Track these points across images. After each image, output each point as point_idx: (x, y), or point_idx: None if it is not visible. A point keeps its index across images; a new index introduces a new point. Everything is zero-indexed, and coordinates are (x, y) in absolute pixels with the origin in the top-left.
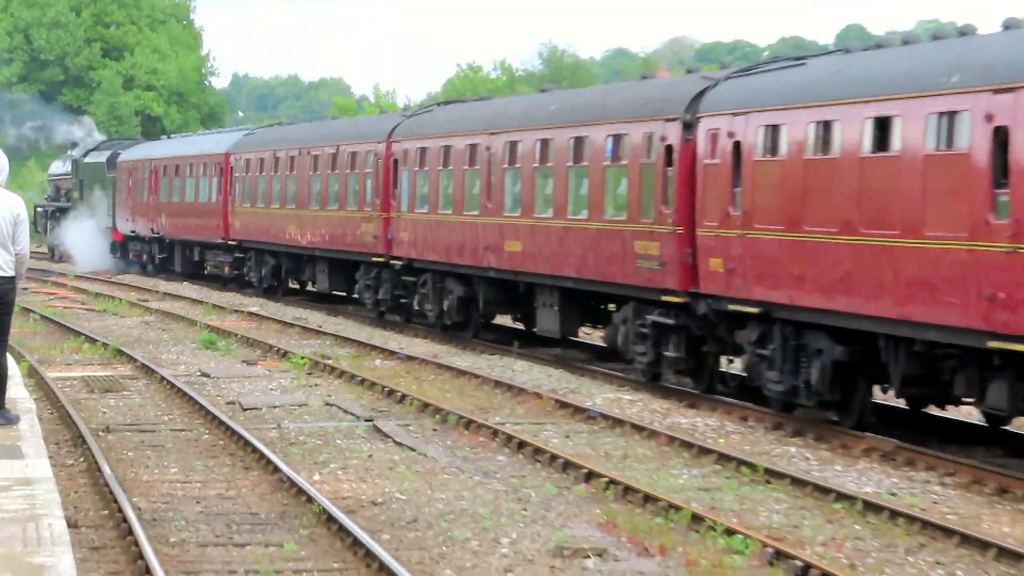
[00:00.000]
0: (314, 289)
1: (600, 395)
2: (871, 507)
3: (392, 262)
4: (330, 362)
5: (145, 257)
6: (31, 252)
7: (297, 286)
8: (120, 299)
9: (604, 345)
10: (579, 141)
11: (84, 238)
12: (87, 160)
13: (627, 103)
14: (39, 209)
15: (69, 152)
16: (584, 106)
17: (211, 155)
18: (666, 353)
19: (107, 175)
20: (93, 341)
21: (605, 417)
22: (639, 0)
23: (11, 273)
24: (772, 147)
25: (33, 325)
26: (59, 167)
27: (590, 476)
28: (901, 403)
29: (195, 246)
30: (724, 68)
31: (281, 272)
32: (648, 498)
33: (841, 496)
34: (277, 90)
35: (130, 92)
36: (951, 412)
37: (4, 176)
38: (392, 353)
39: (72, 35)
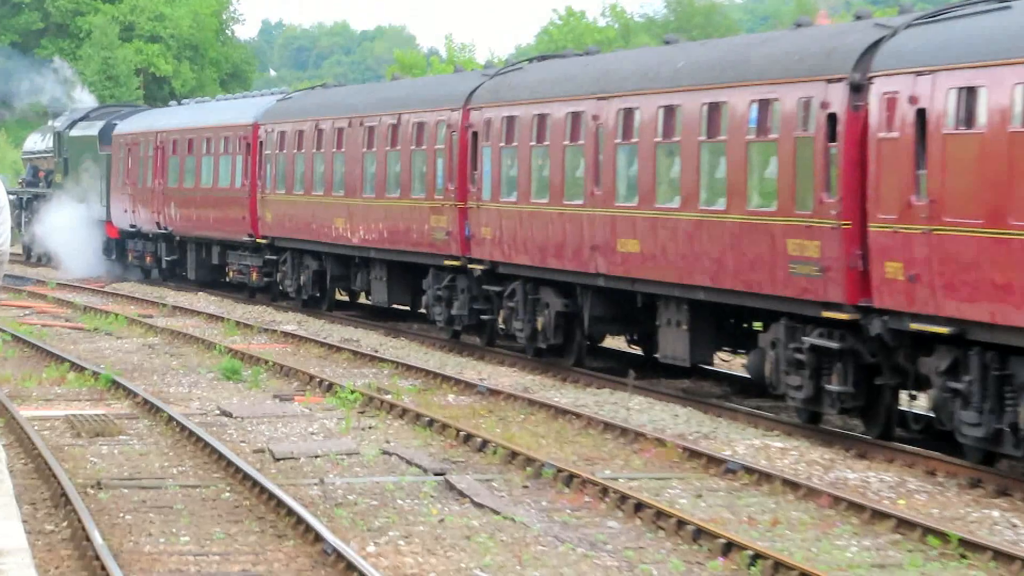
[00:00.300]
0: (368, 302)
1: (742, 441)
2: None
3: (470, 267)
4: (389, 398)
5: (149, 260)
6: None
7: (346, 298)
8: (116, 315)
9: (747, 376)
10: (714, 109)
11: (69, 235)
12: (74, 133)
13: (777, 59)
14: (11, 197)
15: (50, 122)
16: (721, 63)
17: (234, 126)
18: (828, 387)
19: (99, 152)
20: (80, 370)
21: (749, 471)
22: None
23: None
24: (968, 116)
25: (2, 348)
26: (37, 142)
27: (729, 548)
28: None
29: (214, 245)
30: (905, 12)
31: (325, 279)
32: None
33: None
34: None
35: (129, 44)
36: None
37: None
38: (470, 386)
39: None
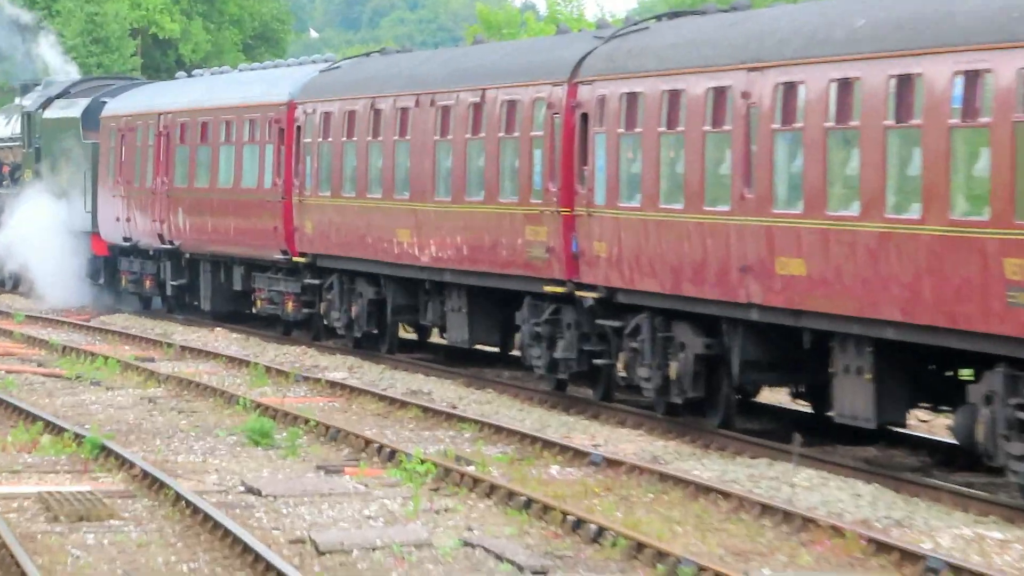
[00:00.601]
0: (443, 341)
1: (946, 530)
2: None
3: (579, 295)
4: (471, 470)
5: (149, 284)
6: None
7: (413, 335)
8: (105, 358)
9: (953, 442)
10: (904, 82)
11: (42, 250)
12: (48, 114)
13: (990, 16)
14: None
15: (17, 100)
16: (914, 19)
17: (263, 106)
18: None
19: (83, 140)
20: (58, 431)
21: (956, 570)
22: None
23: None
24: None
25: None
26: None
27: None
28: None
29: (235, 266)
30: None
31: (385, 311)
32: None
33: None
34: None
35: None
36: None
37: None
38: (580, 454)
39: None
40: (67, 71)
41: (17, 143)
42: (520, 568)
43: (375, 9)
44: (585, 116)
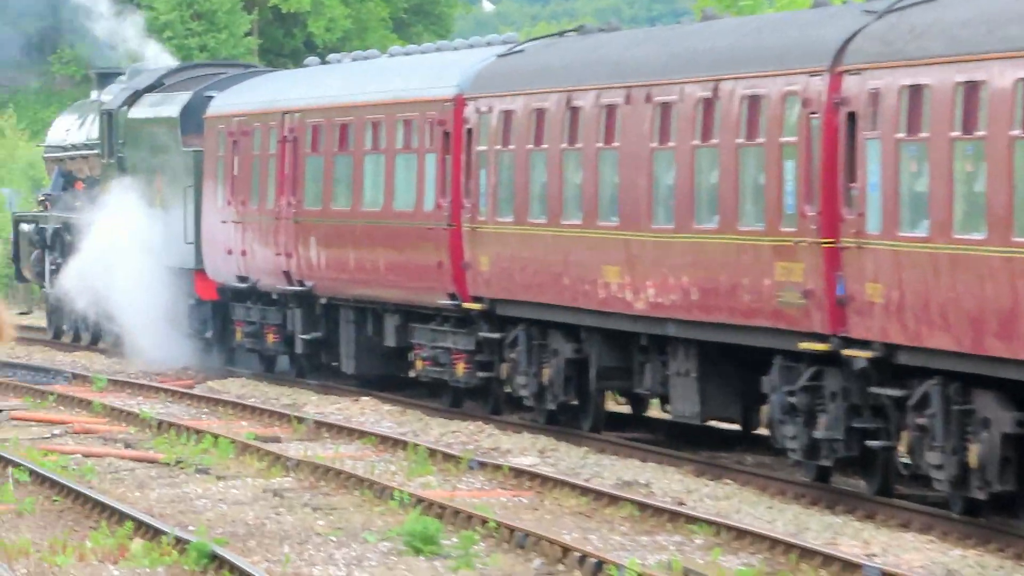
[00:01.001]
0: (665, 415)
1: None
2: None
3: (847, 354)
4: None
5: (272, 339)
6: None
7: (624, 407)
8: (215, 437)
9: None
10: None
11: (130, 294)
12: (136, 113)
13: None
14: (24, 226)
15: (94, 95)
16: None
17: (421, 102)
18: None
19: (181, 147)
20: (154, 534)
21: None
22: None
23: None
24: None
25: (13, 495)
26: (70, 129)
27: None
28: None
29: (387, 315)
30: None
31: (587, 375)
32: None
33: None
34: None
35: None
36: None
37: None
38: (850, 566)
39: None
40: (159, 58)
41: (94, 151)
42: None
43: None
44: (852, 116)
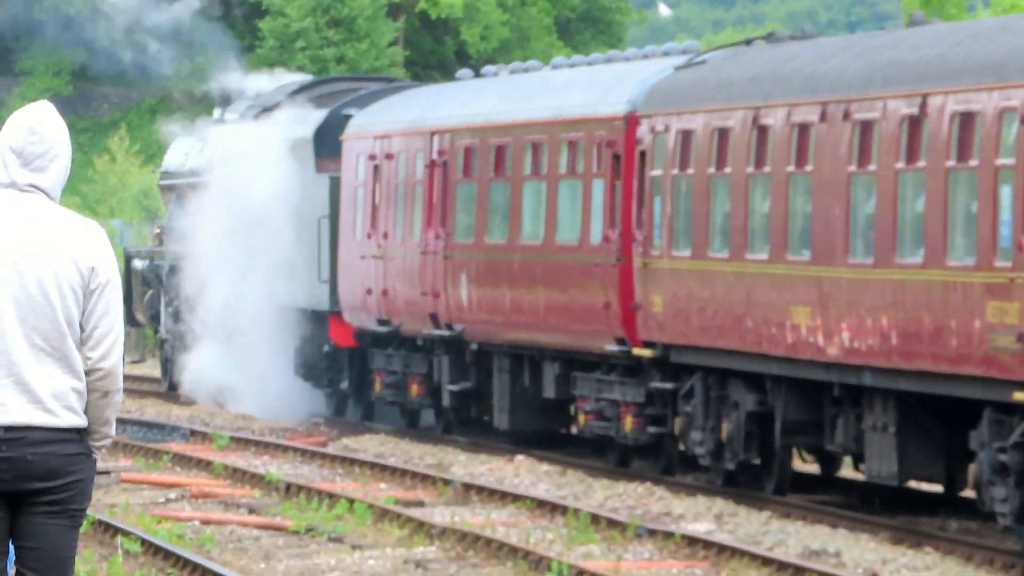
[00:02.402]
0: (859, 475)
1: None
2: None
3: None
4: None
5: (416, 391)
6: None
7: (813, 466)
8: (351, 501)
9: None
10: None
11: (254, 339)
12: (263, 134)
13: None
14: (137, 263)
15: (217, 113)
16: None
17: (587, 120)
18: None
19: (314, 172)
20: None
21: None
22: None
23: (71, 421)
24: None
25: (123, 568)
26: (189, 153)
27: None
28: None
29: (547, 362)
30: None
31: (772, 430)
32: None
33: None
34: None
35: None
36: None
37: (59, 178)
38: None
39: None
40: (291, 75)
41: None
42: None
43: None
44: None
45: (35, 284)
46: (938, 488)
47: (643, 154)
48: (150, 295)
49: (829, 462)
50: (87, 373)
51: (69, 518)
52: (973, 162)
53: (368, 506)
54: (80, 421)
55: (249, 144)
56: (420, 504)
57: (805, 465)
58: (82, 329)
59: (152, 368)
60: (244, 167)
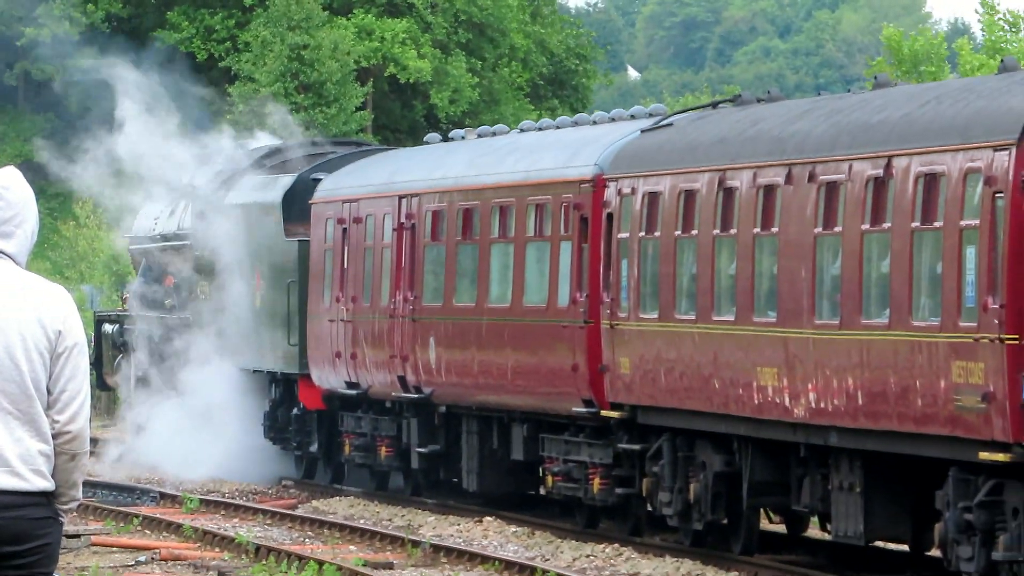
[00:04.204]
0: (826, 535)
1: None
2: None
3: None
4: None
5: (385, 453)
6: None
7: (780, 527)
8: (320, 564)
9: None
10: None
11: (226, 403)
12: (232, 199)
13: None
14: (107, 328)
15: (186, 179)
16: None
17: (555, 184)
18: None
19: (284, 238)
20: None
21: None
22: None
23: (39, 484)
24: None
25: None
26: (159, 218)
27: None
28: None
29: (515, 423)
30: None
31: (740, 491)
32: None
33: None
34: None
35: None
36: None
37: (25, 243)
38: None
39: None
40: (259, 135)
41: (186, 242)
42: None
43: (725, 37)
44: None
45: (3, 348)
46: (904, 547)
47: (610, 216)
48: (120, 359)
49: (796, 522)
50: (54, 436)
51: None
52: (938, 223)
53: (337, 568)
54: (48, 485)
55: (217, 208)
56: (389, 566)
57: (772, 525)
58: (49, 392)
59: (123, 432)
60: (212, 231)
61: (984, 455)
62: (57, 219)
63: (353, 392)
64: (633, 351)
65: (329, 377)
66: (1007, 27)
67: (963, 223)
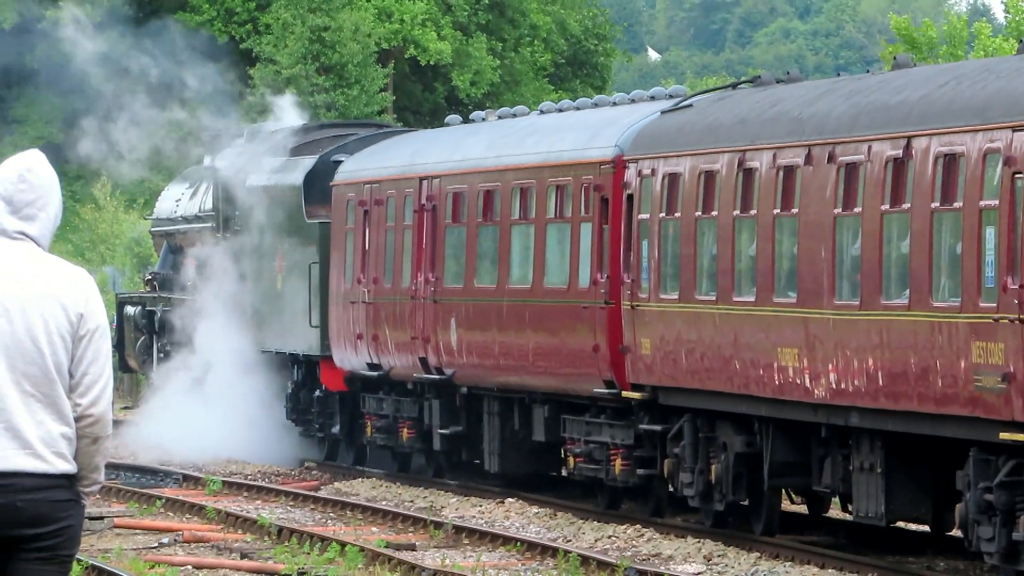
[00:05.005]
0: (847, 516)
1: None
2: None
3: None
4: None
5: (407, 434)
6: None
7: (802, 507)
8: (343, 544)
9: None
10: None
11: (246, 385)
12: (254, 181)
13: None
14: (129, 309)
15: (207, 161)
16: None
17: (575, 165)
18: None
19: (305, 220)
20: None
21: None
22: None
23: (61, 467)
24: None
25: None
26: (180, 199)
27: None
28: None
29: (536, 405)
30: None
31: (761, 472)
32: None
33: None
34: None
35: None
36: None
37: (48, 226)
38: None
39: None
40: (285, 115)
41: (208, 224)
42: None
43: (745, 18)
44: None
45: (24, 331)
46: (925, 528)
47: (630, 197)
48: (142, 341)
49: (817, 503)
50: (76, 419)
51: (59, 564)
52: (957, 203)
53: (360, 549)
54: (70, 467)
55: (239, 189)
56: (411, 547)
57: (793, 506)
58: (71, 376)
59: (144, 414)
60: (234, 213)
61: (1004, 435)
62: (79, 202)
63: (375, 374)
64: (654, 332)
65: (351, 359)
66: None
67: (982, 203)
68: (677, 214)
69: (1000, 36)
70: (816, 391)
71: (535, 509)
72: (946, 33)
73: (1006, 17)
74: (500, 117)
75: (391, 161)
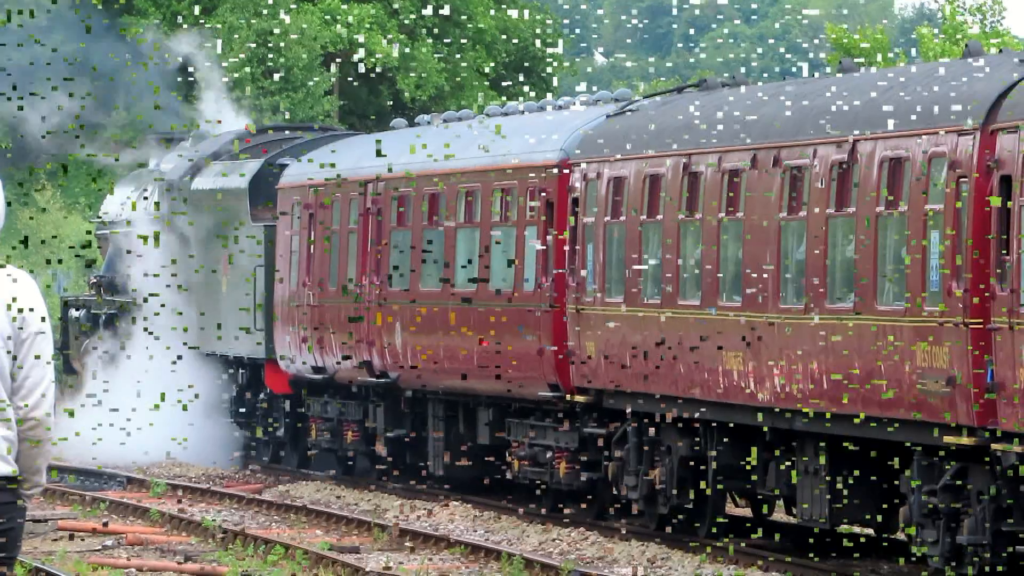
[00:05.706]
0: (791, 519)
1: None
2: None
3: (997, 449)
4: None
5: (351, 437)
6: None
7: (746, 510)
8: (287, 547)
9: None
10: None
11: (192, 389)
12: (199, 184)
13: None
14: (74, 312)
15: (153, 164)
16: None
17: (521, 168)
18: None
19: (251, 223)
20: None
21: None
22: None
23: (3, 470)
24: None
25: None
26: (125, 203)
27: None
28: None
29: (481, 408)
30: None
31: (706, 475)
32: None
33: None
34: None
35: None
36: None
37: None
38: None
39: None
40: (228, 120)
41: (154, 227)
42: None
43: (691, 22)
44: (1007, 180)
45: None
46: (870, 531)
47: (576, 201)
48: (87, 343)
49: (761, 506)
50: (19, 423)
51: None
52: (903, 208)
53: (304, 552)
54: (10, 469)
55: (184, 193)
56: (356, 550)
57: (738, 509)
58: (13, 379)
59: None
60: (180, 217)
61: (948, 439)
62: (29, 205)
63: (319, 377)
64: (599, 336)
65: (296, 362)
66: (964, 11)
67: (927, 208)
68: (622, 218)
69: (941, 40)
70: (761, 395)
71: (479, 512)
72: (870, 48)
73: (942, 22)
74: (446, 121)
75: (337, 165)
